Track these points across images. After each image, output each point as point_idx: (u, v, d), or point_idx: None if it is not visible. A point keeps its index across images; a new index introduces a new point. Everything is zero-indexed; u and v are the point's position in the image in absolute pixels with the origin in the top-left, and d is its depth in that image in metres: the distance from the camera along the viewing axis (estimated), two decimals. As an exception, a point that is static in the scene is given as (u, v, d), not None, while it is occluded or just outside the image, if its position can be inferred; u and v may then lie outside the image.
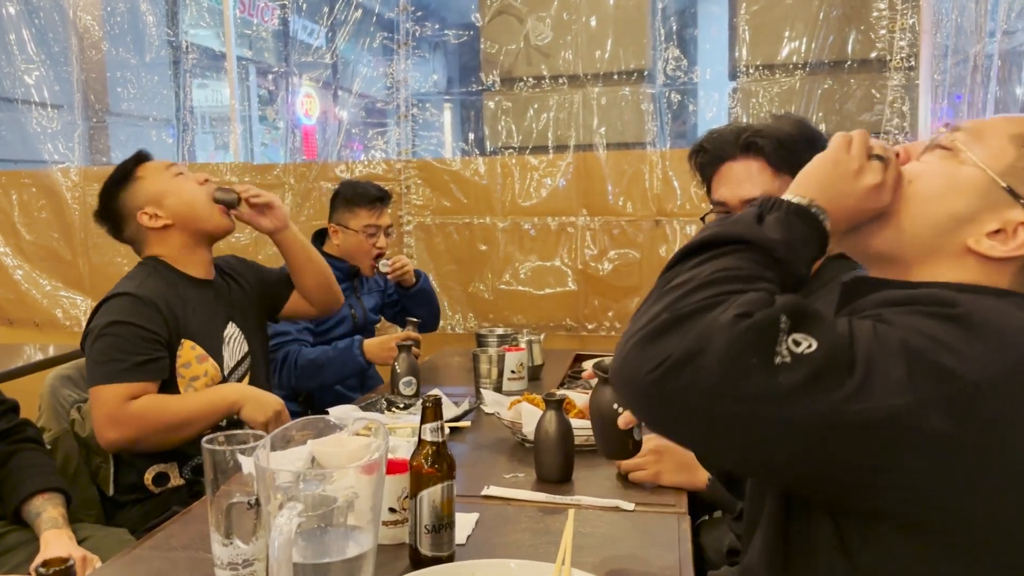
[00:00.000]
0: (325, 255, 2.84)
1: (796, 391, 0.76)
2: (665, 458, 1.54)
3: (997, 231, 0.90)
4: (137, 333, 1.85)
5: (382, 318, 3.09)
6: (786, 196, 0.94)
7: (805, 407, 0.76)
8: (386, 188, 2.95)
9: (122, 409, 1.82)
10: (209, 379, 1.97)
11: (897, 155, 0.99)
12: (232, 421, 1.93)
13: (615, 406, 1.32)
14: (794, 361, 0.77)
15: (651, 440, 1.50)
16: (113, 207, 2.04)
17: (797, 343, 0.78)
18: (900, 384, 0.76)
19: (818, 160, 0.97)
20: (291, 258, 2.20)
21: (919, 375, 0.77)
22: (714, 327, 0.79)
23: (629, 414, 1.31)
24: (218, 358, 2.00)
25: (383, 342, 2.60)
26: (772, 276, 0.87)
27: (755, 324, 0.78)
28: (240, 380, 2.06)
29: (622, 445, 1.32)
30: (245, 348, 2.10)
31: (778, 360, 0.77)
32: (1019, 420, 0.78)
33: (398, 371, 2.23)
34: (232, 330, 2.08)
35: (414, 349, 2.51)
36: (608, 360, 1.35)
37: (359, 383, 2.81)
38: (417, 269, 3.01)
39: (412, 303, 2.95)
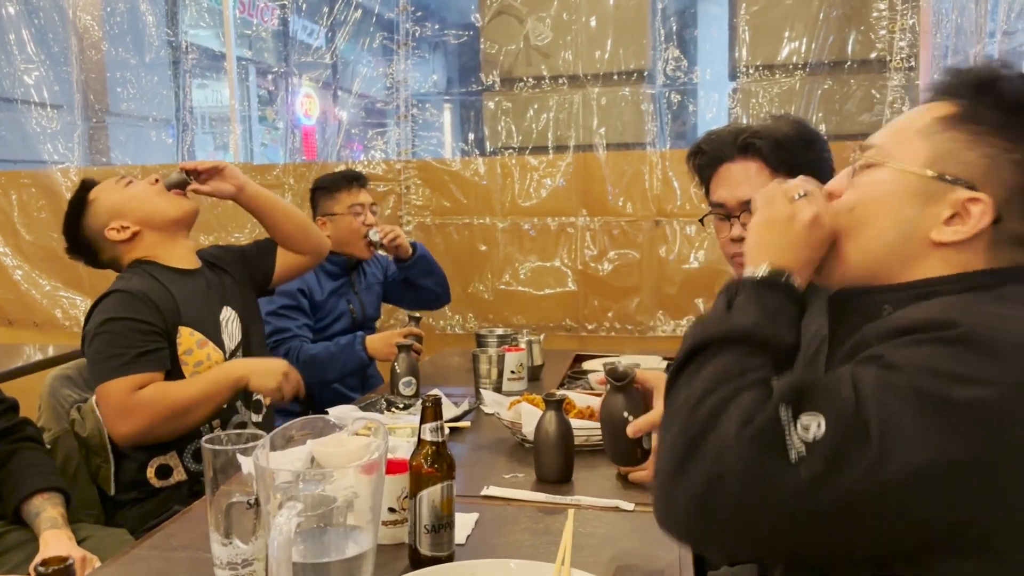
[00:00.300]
0: None
1: (821, 480, 0.77)
2: None
3: (952, 216, 0.91)
4: (133, 327, 1.87)
5: (381, 313, 3.08)
6: (745, 274, 0.96)
7: (835, 491, 0.77)
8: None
9: (129, 400, 1.83)
10: (212, 363, 1.98)
11: (832, 193, 1.02)
12: (244, 401, 1.97)
13: (625, 414, 1.32)
14: (809, 450, 0.77)
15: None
16: (80, 238, 2.08)
17: (806, 427, 0.78)
18: (919, 439, 0.76)
19: (752, 229, 1.01)
20: (262, 213, 2.20)
21: (936, 423, 0.76)
22: (723, 447, 0.80)
23: (639, 422, 1.31)
24: (218, 342, 2.01)
25: (386, 338, 2.60)
26: (760, 361, 0.88)
27: (759, 430, 0.79)
28: None
29: (631, 453, 1.33)
30: (239, 332, 2.10)
31: (793, 455, 0.77)
32: None
33: (398, 371, 2.23)
34: (228, 313, 2.09)
35: (416, 345, 2.52)
36: (623, 364, 1.35)
37: (360, 382, 2.80)
38: (413, 240, 2.98)
39: (416, 274, 2.93)
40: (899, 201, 0.94)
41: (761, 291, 0.93)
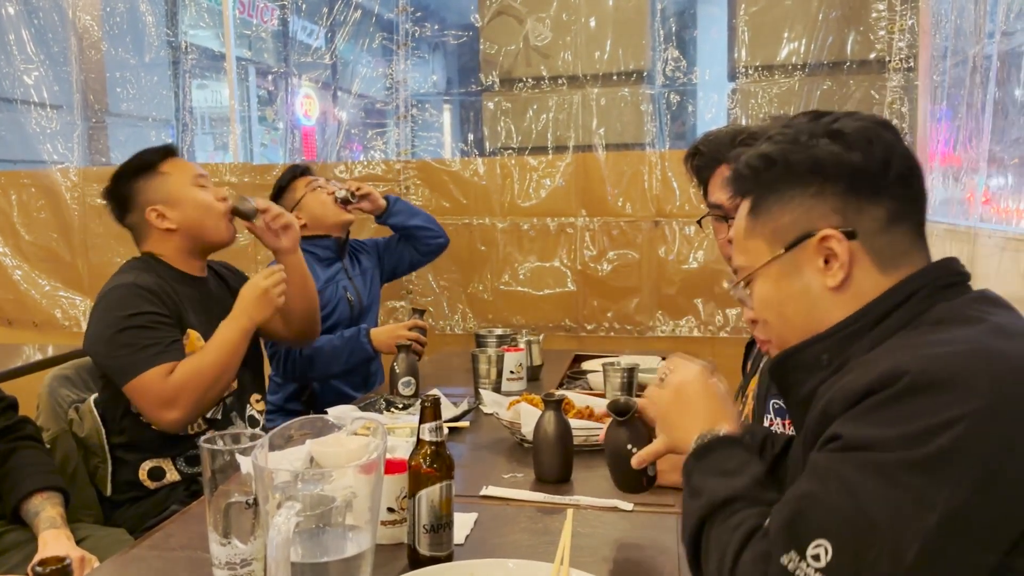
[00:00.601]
0: (306, 239, 2.80)
1: None
2: (663, 459, 1.54)
3: (826, 263, 0.98)
4: (156, 319, 1.86)
5: (379, 303, 3.05)
6: (685, 457, 1.06)
7: None
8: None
9: (166, 387, 1.82)
10: None
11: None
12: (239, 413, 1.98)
13: (628, 446, 1.33)
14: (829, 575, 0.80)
15: None
16: (125, 192, 2.01)
17: (816, 557, 0.80)
18: (922, 505, 0.78)
19: (660, 427, 1.16)
20: (297, 277, 2.19)
21: (928, 480, 0.78)
22: None
23: (643, 454, 1.32)
24: None
25: (391, 331, 2.61)
26: (740, 517, 0.93)
27: None
28: (238, 376, 2.06)
29: (637, 481, 1.34)
30: None
31: None
32: (1018, 436, 0.79)
33: (397, 371, 2.23)
34: None
35: (420, 338, 2.53)
36: (623, 399, 1.37)
37: (362, 380, 2.80)
38: (387, 195, 2.93)
39: (400, 220, 2.89)
40: (787, 286, 1.02)
41: (701, 461, 1.03)
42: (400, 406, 2.07)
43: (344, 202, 2.78)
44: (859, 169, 0.97)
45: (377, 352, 2.64)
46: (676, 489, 1.51)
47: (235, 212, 2.04)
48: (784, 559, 0.82)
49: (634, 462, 1.31)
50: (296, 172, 2.84)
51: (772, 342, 1.07)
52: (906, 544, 0.77)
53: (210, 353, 1.88)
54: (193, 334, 1.95)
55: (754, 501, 0.94)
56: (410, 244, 2.98)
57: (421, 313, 2.67)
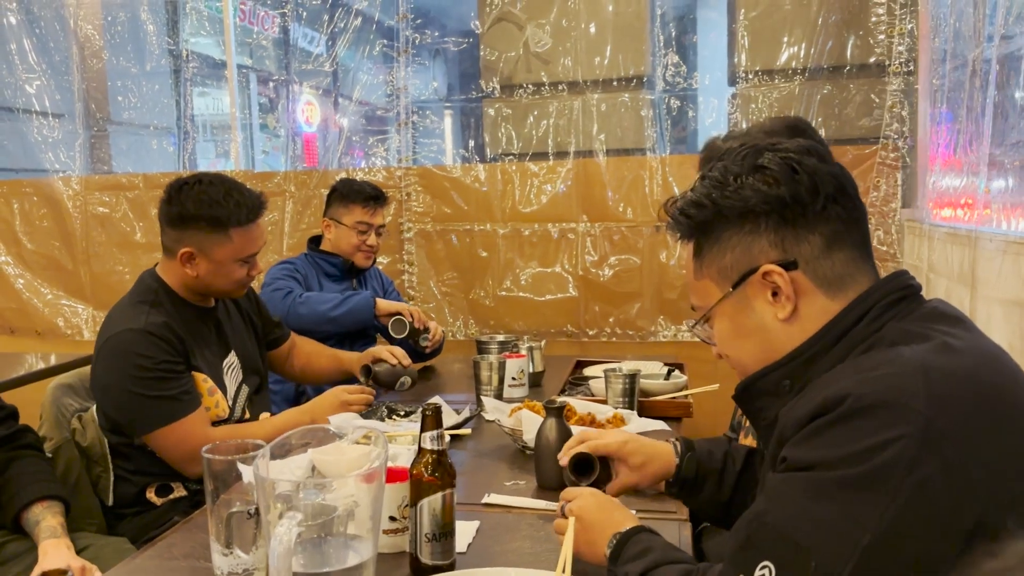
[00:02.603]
0: (318, 252, 2.85)
1: None
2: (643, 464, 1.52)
3: (773, 296, 1.01)
4: (166, 367, 1.86)
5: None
6: (608, 564, 1.12)
7: None
8: (386, 193, 2.96)
9: (202, 441, 1.66)
10: (220, 410, 1.98)
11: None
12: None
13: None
14: None
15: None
16: (182, 212, 1.93)
17: None
18: (856, 523, 0.81)
19: (581, 554, 1.18)
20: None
21: (865, 498, 0.81)
22: None
23: (610, 490, 1.42)
24: (222, 387, 2.01)
25: (391, 348, 2.61)
26: (665, 568, 1.03)
27: None
28: (242, 408, 2.07)
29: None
30: (240, 376, 2.10)
31: None
32: (965, 453, 0.81)
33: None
34: (231, 359, 2.09)
35: (423, 334, 2.61)
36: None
37: (366, 375, 2.78)
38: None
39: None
40: (743, 321, 1.06)
41: (616, 562, 1.10)
42: (402, 414, 2.07)
43: (418, 343, 2.73)
44: (787, 201, 0.99)
45: (377, 319, 2.69)
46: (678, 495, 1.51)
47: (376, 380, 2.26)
48: None
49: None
50: (367, 196, 2.85)
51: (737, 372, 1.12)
52: (841, 563, 0.80)
53: (266, 430, 1.87)
54: (199, 377, 1.95)
55: (672, 560, 1.04)
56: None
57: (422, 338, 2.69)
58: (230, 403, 2.02)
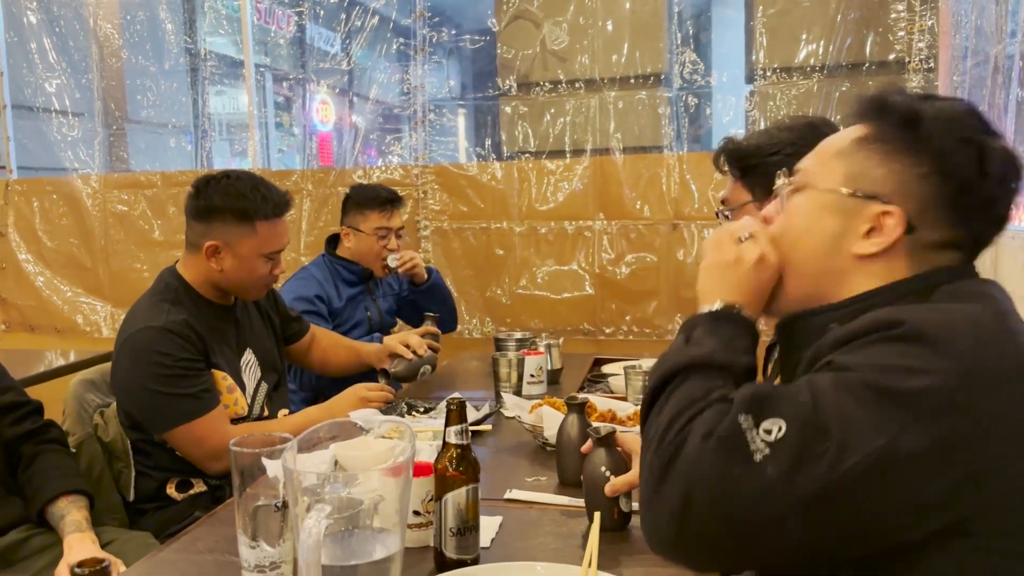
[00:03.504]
0: (337, 258, 2.87)
1: (787, 475, 0.81)
2: None
3: (870, 230, 0.97)
4: (187, 365, 1.86)
5: (399, 320, 3.10)
6: (700, 310, 1.04)
7: (804, 485, 0.81)
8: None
9: (225, 439, 1.77)
10: (239, 408, 1.98)
11: (765, 220, 1.09)
12: None
13: (603, 469, 1.35)
14: (772, 450, 0.82)
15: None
16: (210, 205, 1.94)
17: (768, 431, 0.83)
18: (874, 426, 0.80)
19: (704, 271, 1.08)
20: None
21: (888, 409, 0.81)
22: (690, 459, 0.85)
23: (617, 482, 1.33)
24: (241, 385, 2.02)
25: (404, 337, 2.61)
26: (720, 382, 0.93)
27: (721, 439, 0.84)
28: (261, 406, 2.08)
29: (608, 511, 1.32)
30: (259, 374, 2.11)
31: (758, 457, 0.82)
32: (991, 412, 0.81)
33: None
34: (248, 357, 2.10)
35: (433, 344, 2.54)
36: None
37: (384, 376, 2.80)
38: (429, 266, 3.02)
39: (426, 300, 2.96)
40: (821, 219, 1.01)
41: (715, 323, 1.01)
42: (421, 410, 2.08)
43: (387, 269, 2.88)
44: (973, 197, 0.95)
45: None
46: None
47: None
48: (741, 417, 0.84)
49: (607, 489, 1.33)
50: (383, 200, 2.87)
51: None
52: (848, 454, 0.80)
53: (285, 428, 1.85)
54: (219, 375, 1.95)
55: (739, 384, 0.94)
56: (419, 316, 2.96)
57: (434, 319, 2.68)
58: (249, 401, 2.03)
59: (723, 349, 0.97)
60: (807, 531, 0.82)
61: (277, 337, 2.25)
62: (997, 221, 0.98)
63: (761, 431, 0.83)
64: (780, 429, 0.82)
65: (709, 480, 0.83)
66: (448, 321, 3.06)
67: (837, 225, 0.99)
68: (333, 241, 2.96)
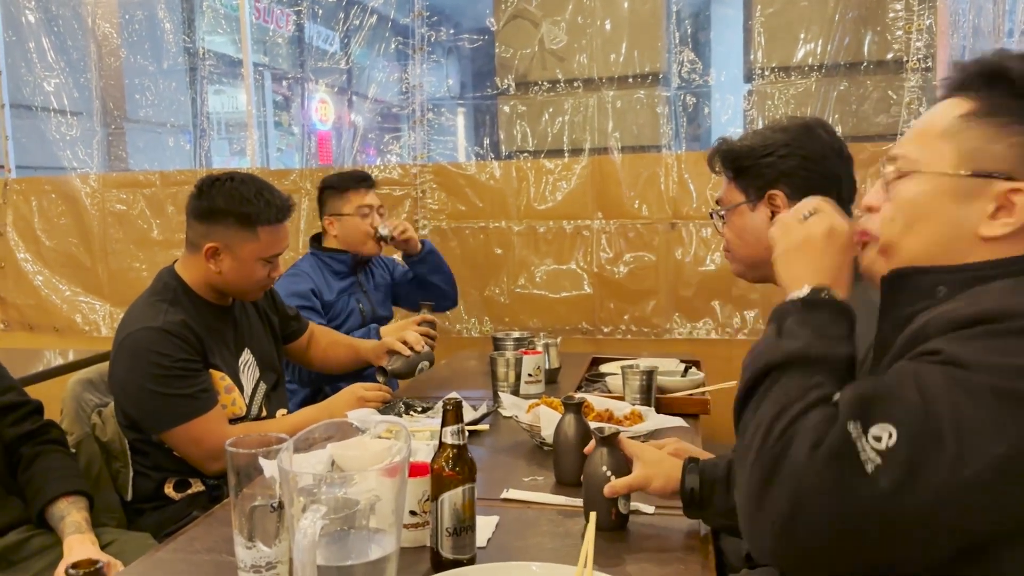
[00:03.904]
0: (325, 251, 2.87)
1: (902, 486, 0.78)
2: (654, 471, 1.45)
3: (997, 210, 0.92)
4: (184, 365, 1.86)
5: (393, 314, 3.10)
6: (788, 298, 0.99)
7: (921, 493, 0.78)
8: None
9: (223, 439, 1.79)
10: (237, 408, 1.99)
11: (870, 208, 1.05)
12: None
13: (604, 469, 1.34)
14: (885, 460, 0.78)
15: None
16: (213, 214, 1.94)
17: (878, 438, 0.79)
18: (995, 432, 0.77)
19: (778, 260, 1.05)
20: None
21: (1011, 415, 0.77)
22: (798, 471, 0.81)
23: (617, 484, 1.33)
24: (239, 386, 2.02)
25: (400, 327, 2.61)
26: (820, 379, 0.89)
27: (830, 449, 0.80)
28: (259, 406, 2.08)
29: (606, 512, 1.33)
30: (257, 374, 2.11)
31: (870, 467, 0.78)
32: None
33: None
34: (247, 357, 2.10)
35: (430, 331, 2.54)
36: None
37: (382, 374, 2.80)
38: (423, 238, 3.03)
39: (424, 270, 2.97)
40: (940, 205, 0.95)
41: (806, 312, 0.96)
42: (419, 409, 2.08)
43: (382, 239, 2.87)
44: None
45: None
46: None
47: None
48: (850, 425, 0.80)
49: (606, 490, 1.32)
50: (356, 179, 2.89)
51: (879, 241, 1.02)
52: (970, 460, 0.77)
53: (283, 428, 1.85)
54: (216, 375, 1.96)
55: (839, 378, 0.90)
56: (420, 290, 3.01)
57: (430, 307, 2.68)
58: (247, 401, 2.03)
59: (818, 340, 0.92)
60: (923, 539, 0.80)
61: (276, 337, 2.25)
62: None
63: (871, 439, 0.79)
64: (891, 436, 0.79)
65: (819, 493, 0.80)
66: (449, 294, 3.07)
67: (958, 209, 0.93)
68: (317, 239, 2.98)
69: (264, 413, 2.08)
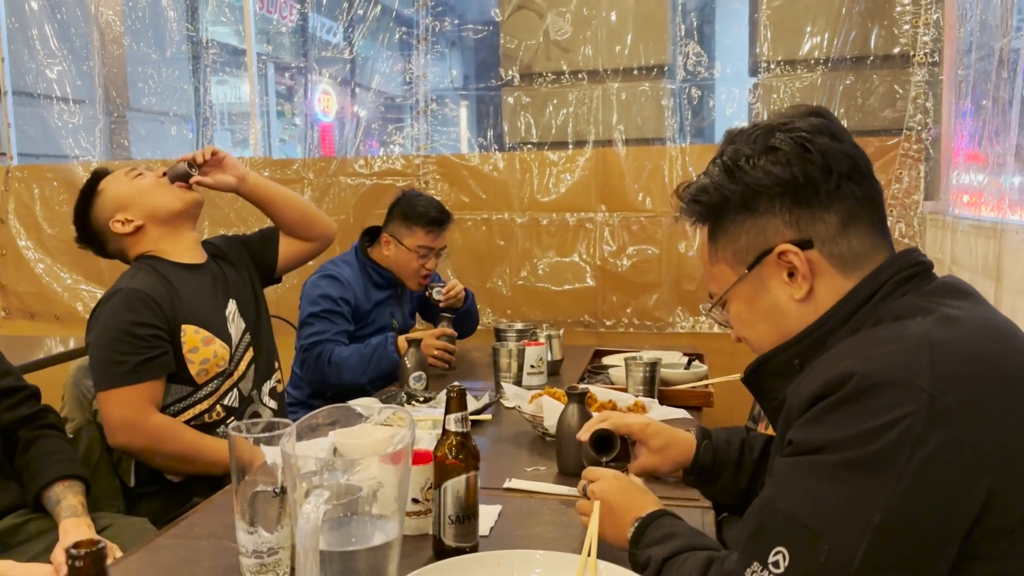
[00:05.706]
0: (370, 260, 2.82)
1: None
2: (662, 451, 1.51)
3: (789, 276, 1.01)
4: (133, 332, 1.86)
5: (417, 317, 3.08)
6: (629, 546, 1.13)
7: None
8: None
9: (139, 416, 1.85)
10: (219, 359, 1.98)
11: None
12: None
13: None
14: None
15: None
16: (89, 227, 2.08)
17: (776, 564, 0.85)
18: (864, 508, 0.80)
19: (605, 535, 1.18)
20: (264, 203, 2.22)
21: (866, 481, 0.80)
22: None
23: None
24: (224, 337, 2.01)
25: (422, 335, 2.60)
26: (688, 555, 1.02)
27: None
28: (243, 355, 2.07)
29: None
30: (243, 324, 2.10)
31: None
32: (970, 421, 0.81)
33: (407, 365, 2.23)
34: (232, 307, 2.10)
35: (448, 346, 2.52)
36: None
37: (384, 383, 2.80)
38: (467, 289, 2.96)
39: (455, 322, 2.87)
40: (755, 304, 1.06)
41: (639, 544, 1.10)
42: (421, 399, 2.07)
43: (431, 296, 2.83)
44: (800, 182, 0.98)
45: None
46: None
47: (173, 179, 2.05)
48: (748, 572, 0.87)
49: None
50: (433, 221, 2.78)
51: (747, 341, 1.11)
52: (853, 545, 0.80)
53: (204, 442, 1.92)
54: (190, 329, 1.95)
55: (696, 547, 1.02)
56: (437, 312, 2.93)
57: (449, 320, 2.66)
58: (232, 350, 2.03)
59: (661, 547, 1.05)
60: None
61: (254, 282, 2.23)
62: (841, 173, 0.99)
63: (770, 567, 0.85)
64: (784, 557, 0.84)
65: None
66: (468, 332, 3.00)
67: (767, 296, 1.03)
68: (369, 235, 2.88)
69: (251, 354, 2.07)
